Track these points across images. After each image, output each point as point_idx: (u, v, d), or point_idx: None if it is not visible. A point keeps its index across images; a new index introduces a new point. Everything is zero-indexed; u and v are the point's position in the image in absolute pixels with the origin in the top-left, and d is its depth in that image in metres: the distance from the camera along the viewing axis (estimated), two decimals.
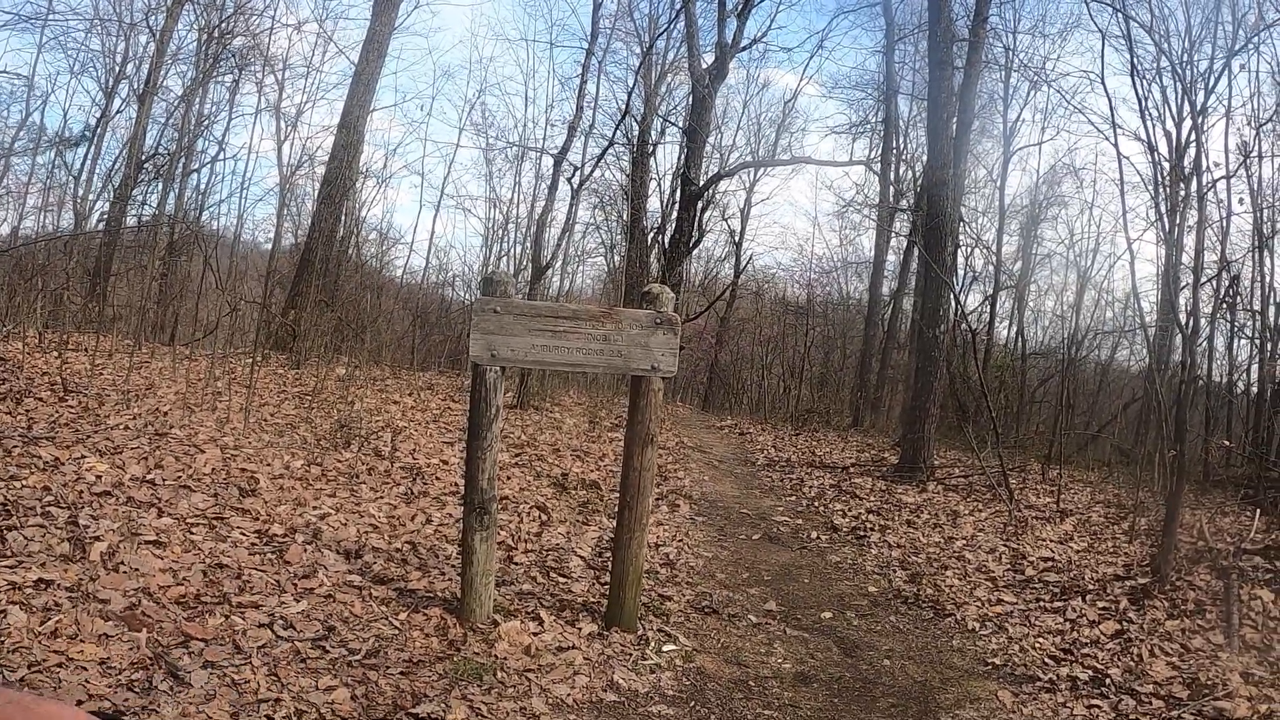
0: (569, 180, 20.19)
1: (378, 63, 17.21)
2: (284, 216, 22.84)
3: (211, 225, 23.09)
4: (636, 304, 4.93)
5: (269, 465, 6.78)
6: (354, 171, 18.39)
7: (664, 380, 4.85)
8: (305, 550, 5.11)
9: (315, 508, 6.04)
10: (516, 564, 5.84)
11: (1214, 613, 5.99)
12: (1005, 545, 8.11)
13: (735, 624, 5.53)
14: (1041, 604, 6.42)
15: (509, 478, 8.20)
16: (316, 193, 18.84)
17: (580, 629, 4.82)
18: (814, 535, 8.44)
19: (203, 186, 23.80)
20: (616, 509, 5.17)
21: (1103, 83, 13.09)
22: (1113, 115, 12.62)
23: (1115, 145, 21.62)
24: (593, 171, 22.70)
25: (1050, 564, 7.50)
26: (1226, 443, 14.14)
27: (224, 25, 21.27)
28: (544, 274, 18.17)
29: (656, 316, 4.76)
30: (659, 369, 4.75)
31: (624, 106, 21.17)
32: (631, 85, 21.85)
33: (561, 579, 5.69)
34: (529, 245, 23.51)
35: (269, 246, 23.64)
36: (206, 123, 23.10)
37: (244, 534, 5.16)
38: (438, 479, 7.59)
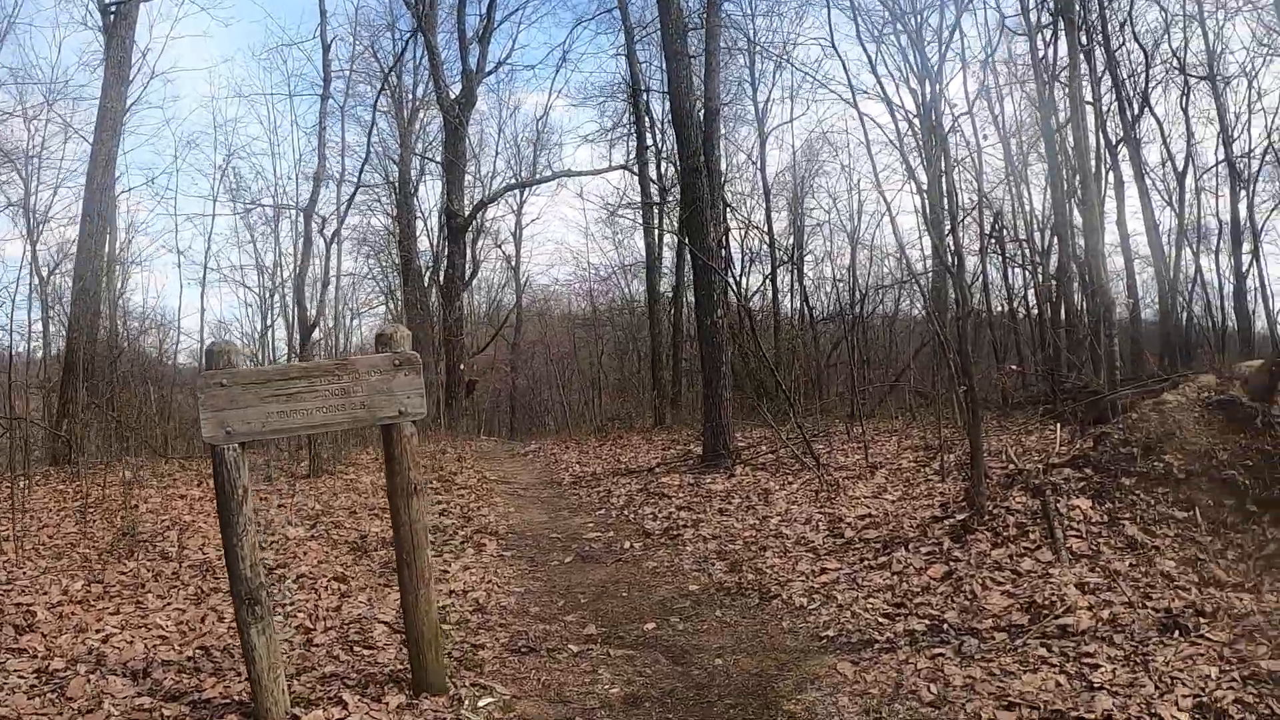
0: (321, 233, 19.30)
1: (113, 141, 15.79)
2: (49, 320, 20.81)
3: None
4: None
5: (46, 594, 6.07)
6: (106, 261, 16.93)
7: (415, 423, 4.43)
8: (88, 681, 4.52)
9: (98, 630, 5.41)
10: (317, 645, 5.25)
11: (1036, 532, 5.96)
12: (820, 512, 7.99)
13: (555, 658, 5.09)
14: (866, 563, 6.30)
15: (305, 552, 7.60)
16: (71, 290, 17.29)
17: (387, 703, 4.30)
18: (627, 545, 8.08)
19: None
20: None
21: (834, 48, 13.48)
22: (849, 81, 13.10)
23: (856, 108, 22.61)
24: (344, 220, 21.82)
25: (868, 520, 7.42)
26: (1015, 366, 14.77)
27: None
28: (313, 333, 17.27)
29: (395, 358, 4.34)
30: (407, 413, 4.33)
31: (366, 149, 20.50)
32: (370, 122, 21.12)
33: (366, 650, 5.14)
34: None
35: (40, 354, 21.57)
36: None
37: (22, 676, 4.61)
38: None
